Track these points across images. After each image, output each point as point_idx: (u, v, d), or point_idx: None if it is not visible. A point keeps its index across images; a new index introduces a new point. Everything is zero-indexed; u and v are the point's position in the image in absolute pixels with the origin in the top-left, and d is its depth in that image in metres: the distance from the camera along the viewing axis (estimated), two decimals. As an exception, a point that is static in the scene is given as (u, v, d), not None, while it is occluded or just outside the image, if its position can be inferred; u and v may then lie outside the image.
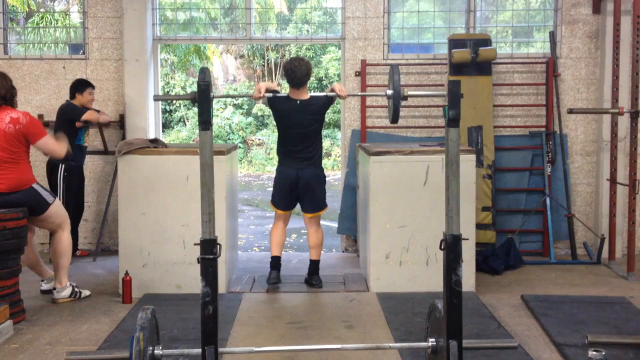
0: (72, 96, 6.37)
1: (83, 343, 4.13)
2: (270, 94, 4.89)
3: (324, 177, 5.36)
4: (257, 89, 4.77)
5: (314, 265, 5.44)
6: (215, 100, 18.31)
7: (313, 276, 5.39)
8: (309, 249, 5.52)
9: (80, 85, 6.40)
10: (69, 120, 6.27)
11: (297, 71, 5.02)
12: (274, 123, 5.46)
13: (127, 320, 4.48)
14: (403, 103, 3.80)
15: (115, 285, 5.30)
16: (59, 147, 4.89)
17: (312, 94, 5.30)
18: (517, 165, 6.78)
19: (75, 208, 6.29)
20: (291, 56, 5.36)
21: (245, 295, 5.18)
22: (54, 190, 6.01)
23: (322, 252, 5.58)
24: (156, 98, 3.85)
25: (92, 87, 6.47)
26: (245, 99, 19.75)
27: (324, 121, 5.29)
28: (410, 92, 3.60)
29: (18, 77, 6.71)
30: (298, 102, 5.09)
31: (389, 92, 3.82)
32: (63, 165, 6.16)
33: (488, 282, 5.61)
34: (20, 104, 5.03)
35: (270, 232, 5.51)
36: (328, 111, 5.38)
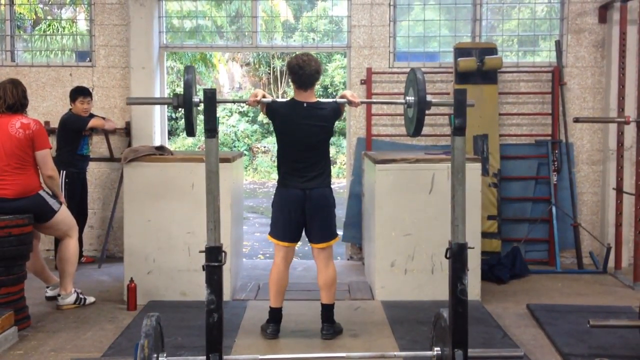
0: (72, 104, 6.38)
1: (87, 350, 4.13)
2: (269, 99, 4.20)
3: (334, 200, 4.38)
4: (254, 94, 4.13)
5: (327, 310, 4.37)
6: (219, 108, 18.07)
7: (325, 324, 4.35)
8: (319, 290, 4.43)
9: (73, 94, 6.35)
10: (74, 131, 6.28)
11: (306, 67, 4.12)
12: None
13: (131, 327, 4.48)
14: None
15: (120, 292, 5.30)
16: (54, 169, 4.86)
17: (320, 99, 4.38)
18: (523, 173, 6.76)
19: (78, 215, 6.24)
20: (296, 54, 4.65)
21: (250, 303, 5.16)
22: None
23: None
24: (129, 102, 3.72)
25: (85, 95, 6.33)
26: (250, 106, 19.75)
27: (332, 134, 4.40)
28: (434, 100, 3.44)
29: (25, 84, 6.70)
30: (305, 104, 4.18)
31: (410, 99, 3.70)
32: (64, 172, 6.15)
33: (493, 291, 5.59)
34: (27, 111, 5.04)
35: (270, 275, 4.38)
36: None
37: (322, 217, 4.30)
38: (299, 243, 4.56)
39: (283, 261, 4.36)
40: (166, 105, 7.28)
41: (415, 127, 3.61)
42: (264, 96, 4.15)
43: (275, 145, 4.50)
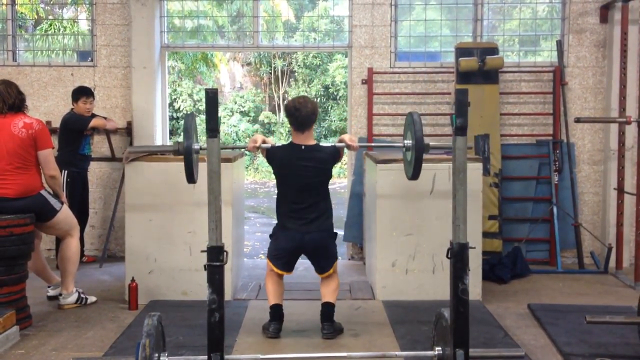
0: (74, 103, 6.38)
1: (89, 349, 4.13)
2: (269, 145, 4.30)
3: (335, 235, 4.45)
4: (253, 139, 4.25)
5: (327, 309, 4.39)
6: (221, 108, 18.11)
7: (325, 323, 4.36)
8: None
9: (75, 94, 6.35)
10: (75, 130, 6.28)
11: (302, 109, 4.21)
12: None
13: (133, 327, 4.48)
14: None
15: (122, 292, 5.31)
16: (56, 169, 4.87)
17: (321, 143, 4.47)
18: (524, 173, 6.77)
19: (79, 214, 6.22)
20: (293, 97, 4.67)
21: (251, 303, 5.17)
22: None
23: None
24: (131, 152, 4.02)
25: (88, 95, 6.34)
26: (252, 106, 19.80)
27: (331, 176, 4.47)
28: (432, 143, 3.46)
29: (26, 84, 6.74)
30: (303, 147, 4.26)
31: (408, 142, 3.73)
32: (66, 172, 6.15)
33: (494, 291, 5.59)
34: (29, 110, 5.05)
35: (265, 284, 4.50)
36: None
37: (320, 256, 4.41)
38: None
39: (277, 276, 4.45)
40: (167, 105, 7.31)
41: (414, 169, 3.62)
42: (263, 141, 4.26)
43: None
